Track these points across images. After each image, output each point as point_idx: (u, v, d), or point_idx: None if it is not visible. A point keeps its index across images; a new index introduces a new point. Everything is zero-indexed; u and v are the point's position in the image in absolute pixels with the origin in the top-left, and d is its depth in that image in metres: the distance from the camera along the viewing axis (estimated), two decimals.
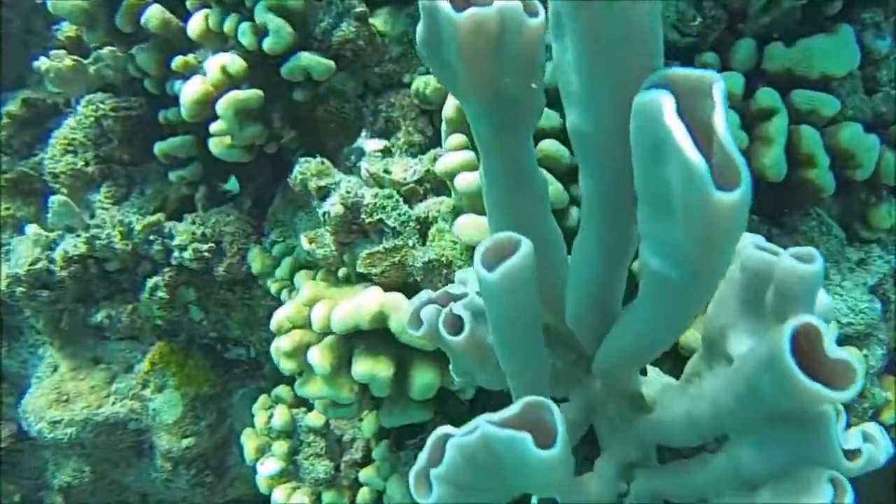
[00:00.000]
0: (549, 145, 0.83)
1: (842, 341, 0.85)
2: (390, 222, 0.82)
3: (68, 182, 1.22)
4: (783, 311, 0.45)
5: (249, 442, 1.14)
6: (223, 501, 1.33)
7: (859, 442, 0.49)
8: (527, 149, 0.52)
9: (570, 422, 0.53)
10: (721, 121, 0.32)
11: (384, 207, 0.83)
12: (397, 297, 0.79)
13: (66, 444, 1.16)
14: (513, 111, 0.48)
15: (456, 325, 0.55)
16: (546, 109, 0.84)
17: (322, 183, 0.86)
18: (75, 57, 1.18)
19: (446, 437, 0.43)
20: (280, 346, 0.86)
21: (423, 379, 0.81)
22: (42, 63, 1.16)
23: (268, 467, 1.10)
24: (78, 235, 1.05)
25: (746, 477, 0.51)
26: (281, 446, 1.11)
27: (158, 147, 1.10)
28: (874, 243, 0.92)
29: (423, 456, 0.44)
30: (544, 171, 0.82)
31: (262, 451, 1.13)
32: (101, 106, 1.17)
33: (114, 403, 1.22)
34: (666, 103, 0.33)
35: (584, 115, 0.42)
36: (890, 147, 0.89)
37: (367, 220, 0.83)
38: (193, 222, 1.12)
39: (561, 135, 0.85)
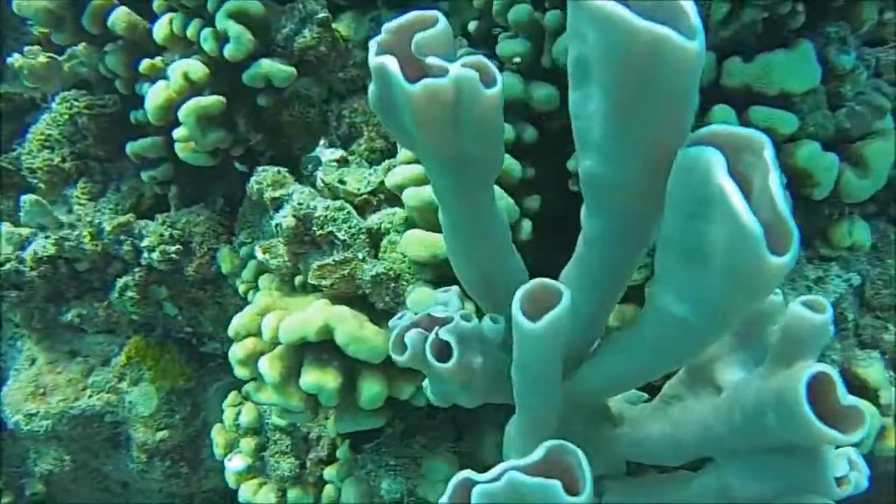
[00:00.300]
0: None
1: None
2: (340, 235, 0.84)
3: (45, 178, 1.26)
4: (791, 355, 0.47)
5: (219, 437, 1.18)
6: (198, 492, 1.38)
7: (846, 469, 0.53)
8: (485, 201, 0.54)
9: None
10: (776, 184, 0.34)
11: (335, 220, 0.85)
12: (343, 311, 0.81)
13: (43, 436, 1.21)
14: (472, 169, 0.49)
15: (442, 350, 0.56)
16: None
17: (276, 194, 0.88)
18: (50, 54, 1.20)
19: (468, 481, 0.43)
20: (235, 353, 0.89)
21: (370, 390, 0.84)
22: (16, 60, 1.19)
23: (235, 463, 1.14)
24: (47, 237, 1.08)
25: (735, 500, 0.54)
26: (248, 443, 1.15)
27: (130, 147, 1.13)
28: (834, 261, 0.93)
29: (443, 500, 0.44)
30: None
31: (231, 446, 1.17)
32: (76, 104, 1.20)
33: (90, 396, 1.26)
34: (717, 163, 0.34)
35: (606, 163, 0.42)
36: (851, 164, 0.89)
37: (318, 233, 0.85)
38: (164, 222, 1.14)
39: (514, 149, 0.86)
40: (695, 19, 0.34)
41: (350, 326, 0.80)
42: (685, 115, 0.39)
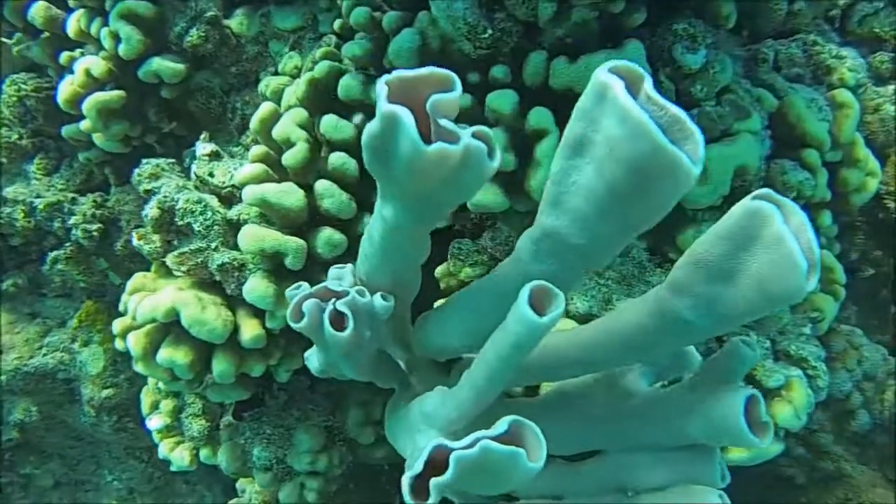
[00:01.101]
0: (337, 159, 0.94)
1: None
2: (196, 226, 0.96)
3: (5, 154, 1.44)
4: (722, 376, 0.64)
5: (145, 398, 1.34)
6: (146, 446, 1.57)
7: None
8: (429, 228, 0.62)
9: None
10: (810, 229, 0.48)
11: (192, 212, 0.97)
12: (188, 296, 0.94)
13: None
14: (435, 214, 0.59)
15: (336, 322, 0.62)
16: (337, 120, 0.95)
17: (149, 186, 1.01)
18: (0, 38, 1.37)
19: (444, 447, 0.50)
20: (114, 327, 1.04)
21: (219, 367, 0.97)
22: None
23: (154, 423, 1.30)
24: None
25: (632, 486, 0.69)
26: (167, 405, 1.30)
27: (64, 131, 1.28)
28: None
29: (418, 464, 0.50)
30: (330, 183, 0.94)
31: (156, 406, 1.34)
32: (24, 87, 1.36)
33: (44, 355, 1.46)
34: (776, 215, 0.47)
35: (577, 229, 0.52)
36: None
37: (179, 223, 0.98)
38: (95, 202, 1.30)
39: (351, 148, 0.95)
40: (701, 150, 0.45)
41: (192, 310, 0.93)
42: (661, 215, 0.50)
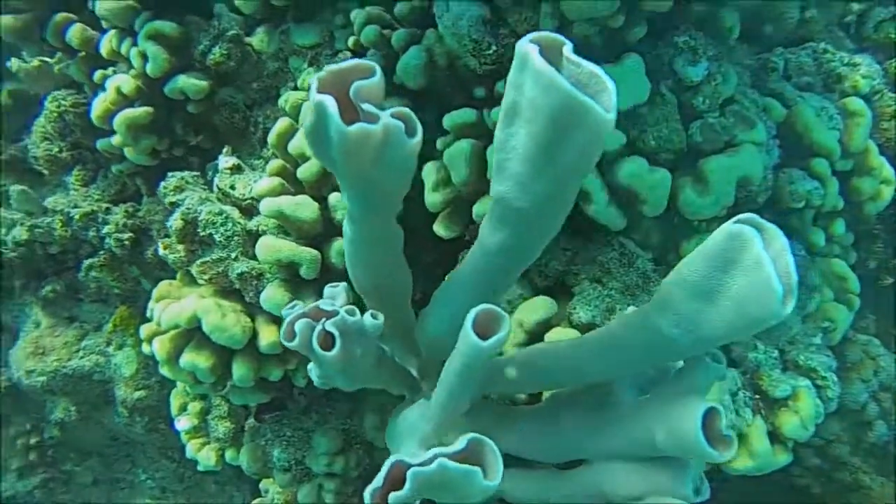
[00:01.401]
0: None
1: None
2: (217, 236, 1.03)
3: (46, 165, 1.53)
4: (688, 388, 0.67)
5: (175, 400, 1.42)
6: (177, 446, 1.64)
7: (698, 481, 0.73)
8: (387, 218, 0.67)
9: None
10: (790, 255, 0.53)
11: (214, 223, 1.03)
12: (209, 303, 1.00)
13: (40, 390, 1.51)
14: (380, 195, 0.63)
15: (327, 339, 0.66)
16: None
17: (174, 199, 1.08)
18: (43, 57, 1.46)
19: (402, 464, 0.54)
20: (142, 332, 1.11)
21: (238, 371, 1.03)
22: (14, 63, 1.45)
23: (183, 424, 1.38)
24: (23, 224, 1.35)
25: (610, 498, 0.72)
26: (195, 407, 1.38)
27: (99, 144, 1.36)
28: None
29: (378, 479, 0.55)
30: None
31: (184, 408, 1.41)
32: (63, 102, 1.45)
33: (81, 357, 1.55)
34: (756, 239, 0.52)
35: (520, 191, 0.56)
36: (693, 181, 0.96)
37: (201, 234, 1.04)
38: (127, 212, 1.38)
39: None
40: (613, 98, 0.49)
41: (213, 317, 0.99)
42: (589, 166, 0.55)
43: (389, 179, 0.60)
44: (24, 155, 1.60)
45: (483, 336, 0.56)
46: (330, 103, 0.51)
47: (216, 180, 1.10)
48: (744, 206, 0.97)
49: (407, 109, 0.55)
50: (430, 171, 0.99)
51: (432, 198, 0.98)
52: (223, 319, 0.99)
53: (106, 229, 1.34)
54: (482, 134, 0.96)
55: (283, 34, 1.19)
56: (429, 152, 0.99)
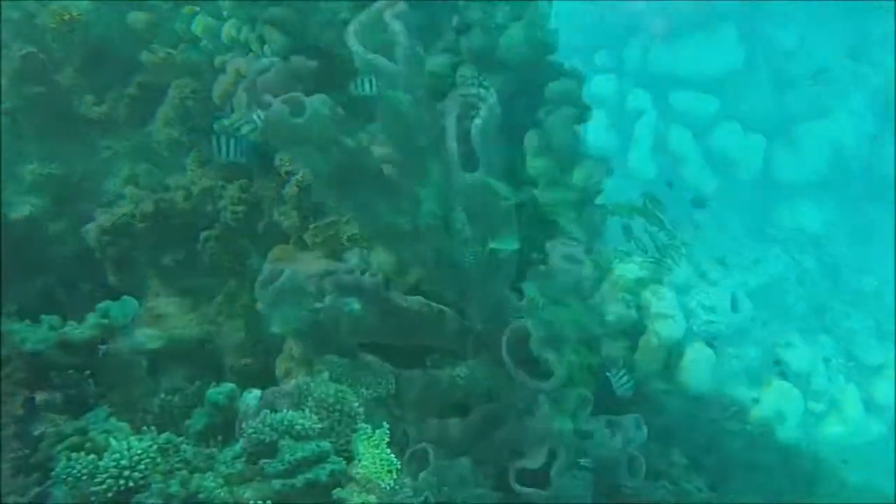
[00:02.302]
0: None
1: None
2: None
3: (167, 148, 1.71)
4: None
5: (280, 364, 1.56)
6: None
7: None
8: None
9: None
10: None
11: None
12: (320, 264, 1.12)
13: (155, 356, 1.68)
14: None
15: None
16: None
17: (289, 168, 1.21)
18: (167, 49, 1.64)
19: None
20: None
21: None
22: (144, 56, 1.63)
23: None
24: (149, 198, 1.52)
25: None
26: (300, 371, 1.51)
27: (215, 126, 1.52)
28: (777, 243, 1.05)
29: None
30: None
31: (289, 373, 1.55)
32: (184, 90, 1.62)
33: (194, 326, 1.71)
34: None
35: None
36: (788, 143, 1.00)
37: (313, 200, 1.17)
38: (241, 187, 1.53)
39: None
40: None
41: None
42: None
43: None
44: (148, 140, 1.79)
45: None
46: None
47: None
48: (837, 173, 1.01)
49: (300, 96, 0.80)
50: None
51: None
52: None
53: (222, 203, 1.49)
54: None
55: None
56: None
